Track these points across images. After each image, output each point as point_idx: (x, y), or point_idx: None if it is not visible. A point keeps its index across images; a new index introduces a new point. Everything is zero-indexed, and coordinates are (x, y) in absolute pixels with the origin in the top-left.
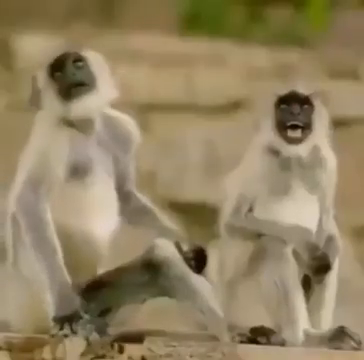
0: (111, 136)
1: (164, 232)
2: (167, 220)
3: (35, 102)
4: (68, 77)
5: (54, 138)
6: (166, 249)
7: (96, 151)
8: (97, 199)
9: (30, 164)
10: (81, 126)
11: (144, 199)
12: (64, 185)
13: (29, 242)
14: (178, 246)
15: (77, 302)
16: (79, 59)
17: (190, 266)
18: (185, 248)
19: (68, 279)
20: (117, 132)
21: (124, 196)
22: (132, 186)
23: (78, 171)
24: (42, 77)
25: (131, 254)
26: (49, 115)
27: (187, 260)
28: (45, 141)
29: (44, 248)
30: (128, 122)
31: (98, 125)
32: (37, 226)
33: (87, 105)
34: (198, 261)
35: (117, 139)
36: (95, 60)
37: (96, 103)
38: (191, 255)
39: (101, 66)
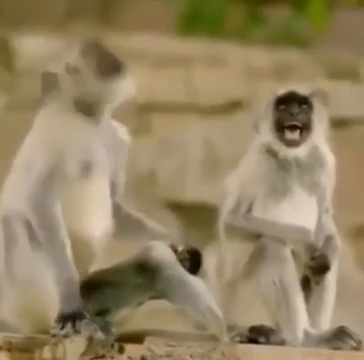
0: (112, 141)
1: (157, 239)
2: (157, 226)
3: (46, 93)
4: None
5: (67, 133)
6: (162, 251)
7: (100, 149)
8: (95, 197)
9: (42, 162)
10: (92, 114)
11: (132, 211)
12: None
13: (41, 240)
14: (173, 247)
15: (81, 301)
16: None
17: (184, 267)
18: (180, 249)
19: (76, 277)
20: (116, 139)
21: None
22: (119, 199)
23: (84, 167)
24: (73, 56)
25: (124, 253)
26: (61, 104)
27: (182, 261)
28: (58, 136)
29: (55, 245)
30: (123, 131)
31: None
32: (50, 225)
33: (127, 87)
34: (193, 262)
35: (115, 145)
36: None
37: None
38: (186, 255)
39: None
